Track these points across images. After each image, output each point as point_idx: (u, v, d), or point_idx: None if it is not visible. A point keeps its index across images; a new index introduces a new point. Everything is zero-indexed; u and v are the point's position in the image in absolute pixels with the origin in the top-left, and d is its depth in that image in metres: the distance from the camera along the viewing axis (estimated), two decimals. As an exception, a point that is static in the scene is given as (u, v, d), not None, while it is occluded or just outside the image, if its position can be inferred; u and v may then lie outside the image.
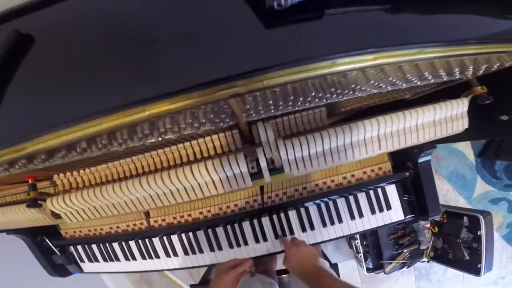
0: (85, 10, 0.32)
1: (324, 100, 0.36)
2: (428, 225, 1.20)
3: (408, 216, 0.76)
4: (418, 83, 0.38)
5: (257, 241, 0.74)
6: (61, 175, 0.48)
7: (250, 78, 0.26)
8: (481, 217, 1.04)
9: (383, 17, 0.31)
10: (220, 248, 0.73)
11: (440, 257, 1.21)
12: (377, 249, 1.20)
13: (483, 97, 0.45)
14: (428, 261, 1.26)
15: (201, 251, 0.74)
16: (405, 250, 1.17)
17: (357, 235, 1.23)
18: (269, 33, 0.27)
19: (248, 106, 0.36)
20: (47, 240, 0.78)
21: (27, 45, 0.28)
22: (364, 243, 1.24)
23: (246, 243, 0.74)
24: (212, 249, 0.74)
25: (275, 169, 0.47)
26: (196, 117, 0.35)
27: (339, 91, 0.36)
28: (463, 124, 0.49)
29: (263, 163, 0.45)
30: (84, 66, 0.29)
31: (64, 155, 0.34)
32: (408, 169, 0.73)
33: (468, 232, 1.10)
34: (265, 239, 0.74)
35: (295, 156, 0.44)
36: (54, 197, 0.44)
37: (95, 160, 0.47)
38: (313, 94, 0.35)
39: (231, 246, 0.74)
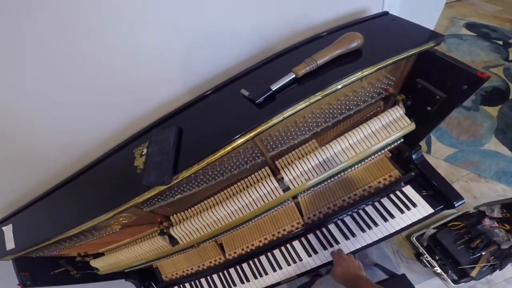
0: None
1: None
2: (495, 224, 1.18)
3: (437, 208, 0.88)
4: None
5: (309, 255, 0.92)
6: (174, 215, 0.83)
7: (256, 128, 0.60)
8: None
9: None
10: (280, 268, 0.93)
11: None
12: (451, 259, 1.18)
13: (405, 101, 0.73)
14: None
15: (266, 273, 0.95)
16: (483, 253, 1.14)
17: (423, 251, 1.25)
18: (258, 110, 0.61)
19: (267, 145, 0.71)
20: (152, 284, 1.07)
21: (182, 131, 0.64)
22: (437, 257, 1.24)
23: (300, 258, 0.93)
24: (274, 270, 0.94)
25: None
26: (244, 157, 0.71)
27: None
28: (406, 122, 0.74)
29: (286, 178, 0.75)
30: (202, 136, 0.63)
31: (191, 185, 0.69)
32: (412, 170, 0.93)
33: None
34: (315, 252, 0.92)
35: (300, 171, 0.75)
36: (174, 226, 0.78)
37: (193, 201, 0.82)
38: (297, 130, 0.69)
39: (288, 264, 0.93)
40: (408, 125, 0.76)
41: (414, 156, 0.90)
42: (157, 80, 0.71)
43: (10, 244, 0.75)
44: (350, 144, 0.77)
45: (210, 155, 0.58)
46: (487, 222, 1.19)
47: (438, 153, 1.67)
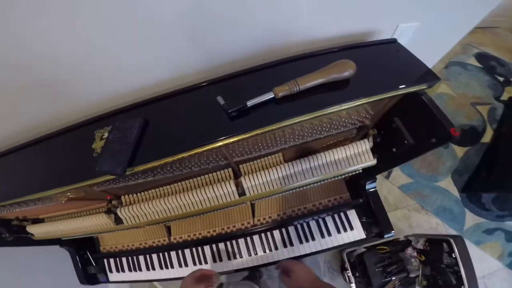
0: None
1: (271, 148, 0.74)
2: (414, 254, 1.39)
3: (370, 235, 1.02)
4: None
5: (249, 254, 1.03)
6: (126, 196, 0.85)
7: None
8: (452, 240, 1.21)
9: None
10: (220, 260, 1.03)
11: (433, 284, 1.31)
12: (367, 278, 1.36)
13: (375, 137, 0.78)
14: (422, 290, 1.36)
15: (206, 262, 1.03)
16: (393, 278, 1.33)
17: (347, 266, 1.45)
18: (230, 121, 0.62)
19: (232, 153, 0.75)
20: (88, 253, 1.11)
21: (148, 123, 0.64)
22: (357, 274, 1.43)
23: (241, 256, 1.03)
24: (214, 261, 1.03)
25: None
26: (208, 159, 0.74)
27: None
28: (369, 157, 0.81)
29: (244, 185, 0.81)
30: (163, 135, 0.64)
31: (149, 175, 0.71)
32: (361, 197, 1.04)
33: (449, 257, 1.24)
34: (255, 253, 1.02)
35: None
36: (123, 207, 0.80)
37: (147, 186, 0.84)
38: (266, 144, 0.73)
39: (229, 258, 1.03)
40: (370, 161, 0.83)
41: (367, 186, 1.01)
42: (143, 59, 0.68)
43: None
44: (313, 166, 0.84)
45: (169, 156, 0.60)
46: (409, 251, 1.39)
47: (395, 180, 1.86)
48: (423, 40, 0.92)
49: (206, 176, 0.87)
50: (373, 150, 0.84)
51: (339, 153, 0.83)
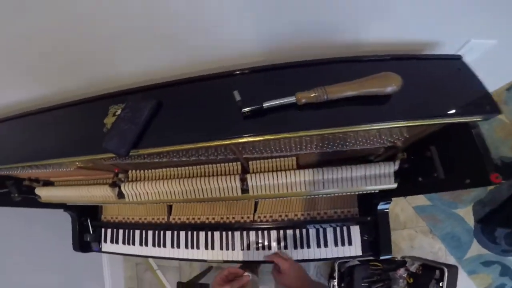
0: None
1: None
2: (405, 275, 1.36)
3: (366, 253, 0.97)
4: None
5: (242, 248, 1.02)
6: (133, 171, 0.85)
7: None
8: (446, 269, 1.19)
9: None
10: (212, 248, 1.03)
11: (412, 307, 1.31)
12: None
13: (403, 162, 0.71)
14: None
15: (198, 247, 1.05)
16: None
17: (336, 275, 1.44)
18: (242, 120, 0.57)
19: (242, 150, 0.71)
20: (88, 220, 1.14)
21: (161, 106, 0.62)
22: (342, 284, 1.43)
23: (233, 248, 1.03)
24: (206, 248, 1.04)
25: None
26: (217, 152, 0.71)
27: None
28: (390, 181, 0.75)
29: (250, 183, 0.78)
30: (173, 121, 0.61)
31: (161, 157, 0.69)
32: (370, 215, 0.99)
33: (436, 284, 1.24)
34: (248, 249, 1.02)
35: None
36: (127, 183, 0.81)
37: (154, 166, 0.83)
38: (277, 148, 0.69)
39: (221, 248, 1.03)
40: (389, 185, 0.77)
41: (379, 206, 0.95)
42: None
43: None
44: (326, 179, 0.79)
45: (169, 146, 0.57)
46: (400, 271, 1.36)
47: (412, 199, 1.76)
48: (495, 60, 0.78)
49: (214, 165, 0.85)
50: (396, 173, 0.76)
51: (358, 171, 0.77)
